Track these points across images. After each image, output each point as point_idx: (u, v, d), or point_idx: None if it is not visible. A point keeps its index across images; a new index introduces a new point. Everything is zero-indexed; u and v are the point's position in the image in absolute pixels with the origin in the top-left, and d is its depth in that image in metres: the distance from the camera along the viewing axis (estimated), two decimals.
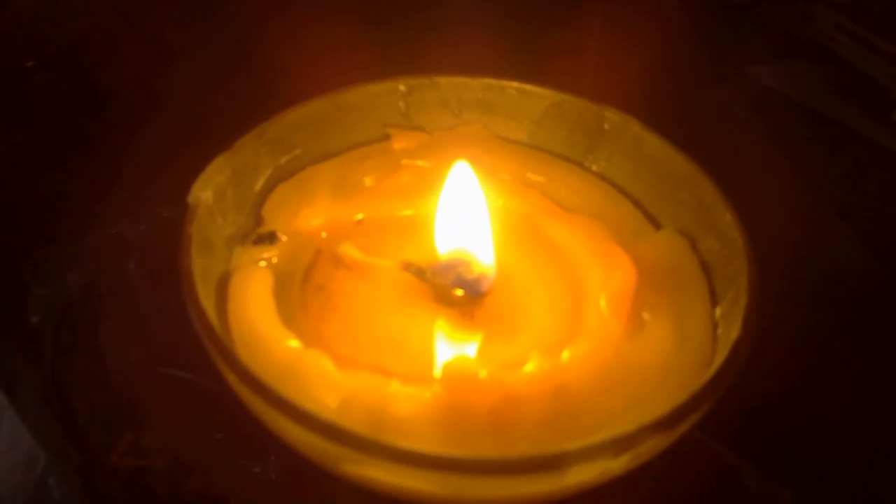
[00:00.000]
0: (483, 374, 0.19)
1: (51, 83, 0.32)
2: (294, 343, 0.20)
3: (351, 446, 0.17)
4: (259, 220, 0.23)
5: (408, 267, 0.22)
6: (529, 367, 0.20)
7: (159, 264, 0.24)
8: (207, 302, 0.20)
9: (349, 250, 0.23)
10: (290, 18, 0.28)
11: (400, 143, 0.25)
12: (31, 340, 0.25)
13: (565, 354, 0.20)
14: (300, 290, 0.22)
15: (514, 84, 0.25)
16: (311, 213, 0.24)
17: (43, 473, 0.23)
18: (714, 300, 0.22)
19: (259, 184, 0.24)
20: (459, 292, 0.22)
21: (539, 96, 0.25)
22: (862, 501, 0.23)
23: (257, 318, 0.21)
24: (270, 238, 0.23)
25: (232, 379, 0.19)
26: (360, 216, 0.24)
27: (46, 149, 0.30)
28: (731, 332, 0.20)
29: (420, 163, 0.25)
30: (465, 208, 0.22)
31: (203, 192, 0.22)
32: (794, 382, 0.24)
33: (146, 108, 0.32)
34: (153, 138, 0.30)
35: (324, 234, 0.23)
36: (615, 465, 0.17)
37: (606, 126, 0.24)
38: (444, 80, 0.25)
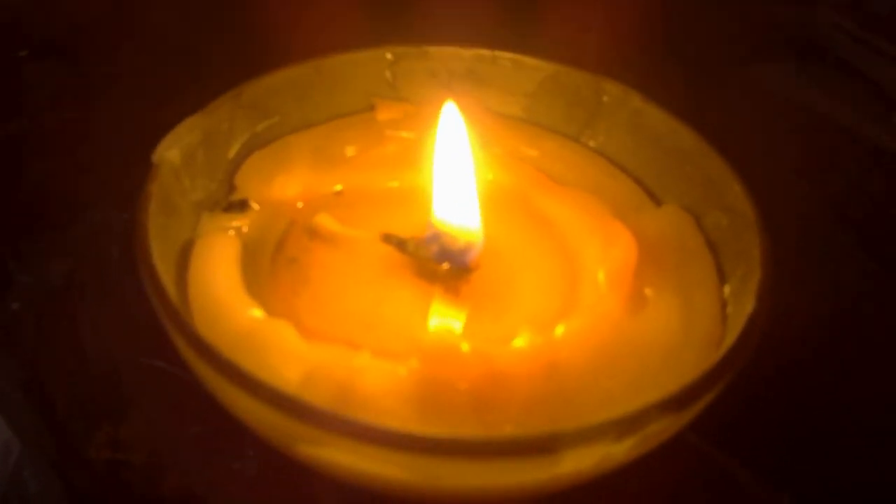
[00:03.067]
0: (466, 347, 0.16)
1: (41, 72, 0.30)
2: (257, 312, 0.17)
3: (306, 421, 0.14)
4: (232, 188, 0.21)
5: (388, 239, 0.19)
6: (519, 342, 0.16)
7: None
8: (166, 264, 0.18)
9: (325, 221, 0.20)
10: None
11: (385, 114, 0.22)
12: (11, 328, 0.22)
13: (559, 330, 0.17)
14: (271, 262, 0.19)
15: (508, 55, 0.22)
16: (287, 182, 0.21)
17: (18, 465, 0.20)
18: (722, 278, 0.19)
19: (233, 150, 0.21)
20: (445, 266, 0.19)
21: (534, 68, 0.22)
22: None
23: (218, 285, 0.18)
24: (241, 206, 0.20)
25: (179, 343, 0.15)
26: (339, 187, 0.21)
27: (33, 136, 0.28)
28: (744, 308, 0.17)
29: (404, 134, 0.22)
30: (453, 170, 0.19)
31: (169, 151, 0.19)
32: (790, 383, 0.21)
33: (135, 96, 0.29)
34: (141, 128, 0.28)
35: (300, 205, 0.21)
36: (617, 451, 0.14)
37: (605, 99, 0.22)
38: (433, 50, 0.22)
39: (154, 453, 0.20)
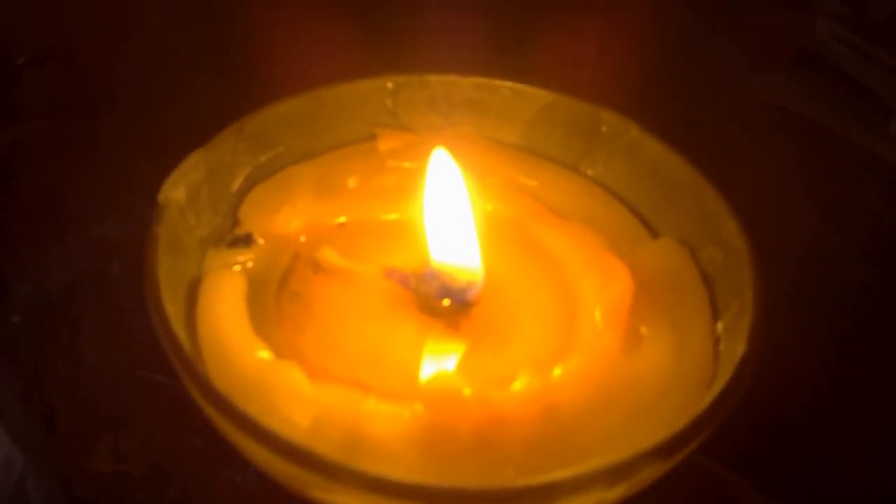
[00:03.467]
0: (468, 391, 0.17)
1: (40, 81, 0.30)
2: (265, 354, 0.18)
3: (317, 471, 0.14)
4: (235, 222, 0.21)
5: (391, 274, 0.20)
6: (518, 384, 0.17)
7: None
8: (175, 306, 0.18)
9: (329, 255, 0.20)
10: (277, 13, 0.25)
11: (386, 143, 0.23)
12: (11, 341, 0.23)
13: (557, 371, 0.17)
14: (276, 297, 0.20)
15: (507, 84, 0.22)
16: (290, 215, 0.21)
17: (21, 476, 0.21)
18: (716, 314, 0.19)
19: (237, 183, 0.21)
20: (446, 302, 0.19)
21: (533, 97, 0.22)
22: None
23: (227, 326, 0.18)
24: (246, 240, 0.21)
25: (192, 390, 0.16)
26: (342, 219, 0.22)
27: (33, 147, 0.28)
28: (736, 347, 0.17)
29: (406, 164, 0.22)
30: (450, 209, 0.19)
31: (175, 190, 0.19)
32: (796, 398, 0.22)
33: (136, 107, 0.29)
34: (141, 138, 0.28)
35: (303, 238, 0.21)
36: (610, 496, 0.15)
37: (603, 129, 0.22)
38: (433, 79, 0.23)
39: (155, 465, 0.20)
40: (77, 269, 0.24)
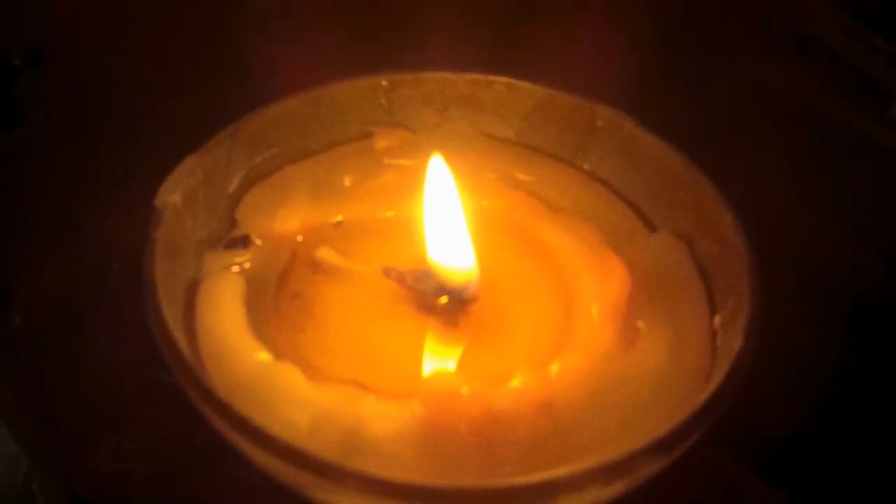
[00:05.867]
0: (466, 390, 0.17)
1: (38, 82, 0.30)
2: (264, 355, 0.18)
3: (315, 473, 0.14)
4: (233, 223, 0.21)
5: (389, 273, 0.20)
6: (516, 381, 0.17)
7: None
8: (173, 310, 0.18)
9: (327, 255, 0.20)
10: (272, 14, 0.25)
11: (382, 141, 0.22)
12: (12, 342, 0.23)
13: (554, 368, 0.17)
14: (274, 298, 0.20)
15: (502, 80, 0.22)
16: (287, 216, 0.21)
17: (26, 478, 0.21)
18: (713, 308, 0.19)
19: (233, 185, 0.21)
20: (444, 300, 0.19)
21: (528, 92, 0.22)
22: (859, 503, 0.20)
23: (226, 329, 0.18)
24: (244, 242, 0.21)
25: (192, 394, 0.16)
26: (339, 218, 0.21)
27: (32, 148, 0.28)
28: (733, 342, 0.17)
29: (403, 162, 0.22)
30: (445, 210, 0.19)
31: (171, 194, 0.19)
32: (788, 379, 0.22)
33: (134, 108, 0.29)
34: (141, 138, 0.28)
35: (300, 238, 0.21)
36: (608, 492, 0.15)
37: (598, 123, 0.22)
38: (428, 76, 0.22)
39: (158, 463, 0.20)
40: (78, 269, 0.24)
